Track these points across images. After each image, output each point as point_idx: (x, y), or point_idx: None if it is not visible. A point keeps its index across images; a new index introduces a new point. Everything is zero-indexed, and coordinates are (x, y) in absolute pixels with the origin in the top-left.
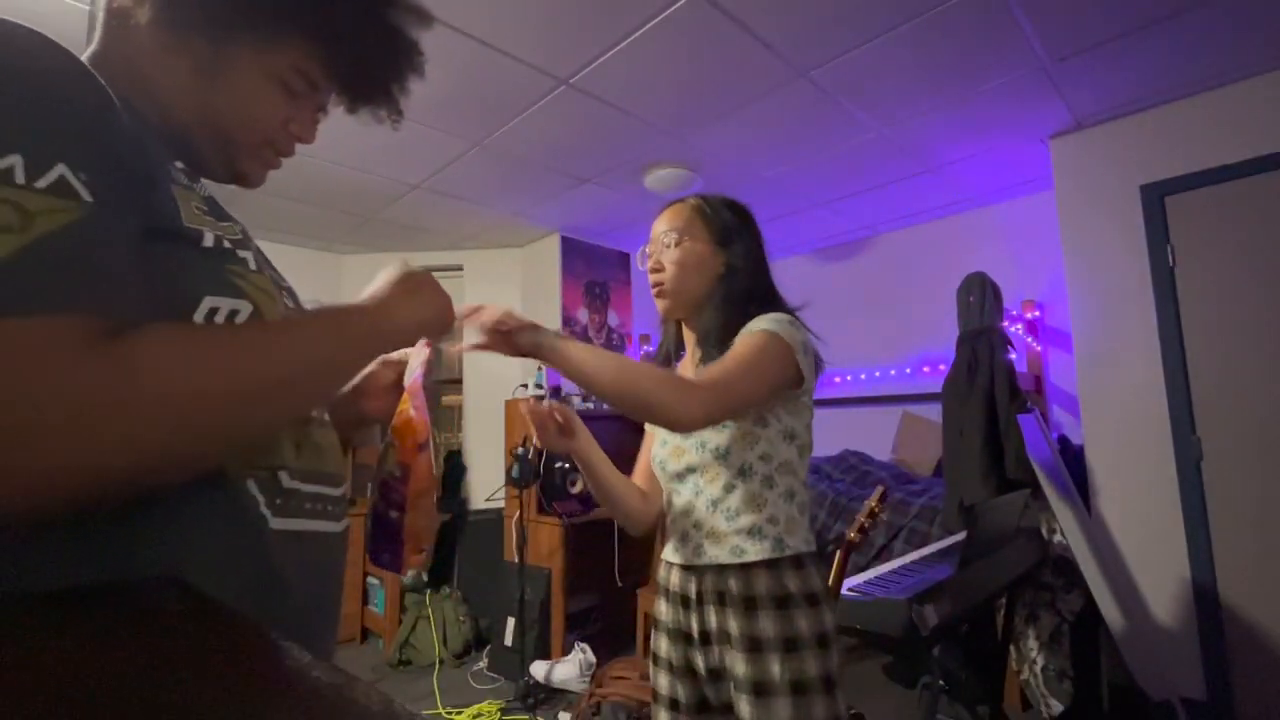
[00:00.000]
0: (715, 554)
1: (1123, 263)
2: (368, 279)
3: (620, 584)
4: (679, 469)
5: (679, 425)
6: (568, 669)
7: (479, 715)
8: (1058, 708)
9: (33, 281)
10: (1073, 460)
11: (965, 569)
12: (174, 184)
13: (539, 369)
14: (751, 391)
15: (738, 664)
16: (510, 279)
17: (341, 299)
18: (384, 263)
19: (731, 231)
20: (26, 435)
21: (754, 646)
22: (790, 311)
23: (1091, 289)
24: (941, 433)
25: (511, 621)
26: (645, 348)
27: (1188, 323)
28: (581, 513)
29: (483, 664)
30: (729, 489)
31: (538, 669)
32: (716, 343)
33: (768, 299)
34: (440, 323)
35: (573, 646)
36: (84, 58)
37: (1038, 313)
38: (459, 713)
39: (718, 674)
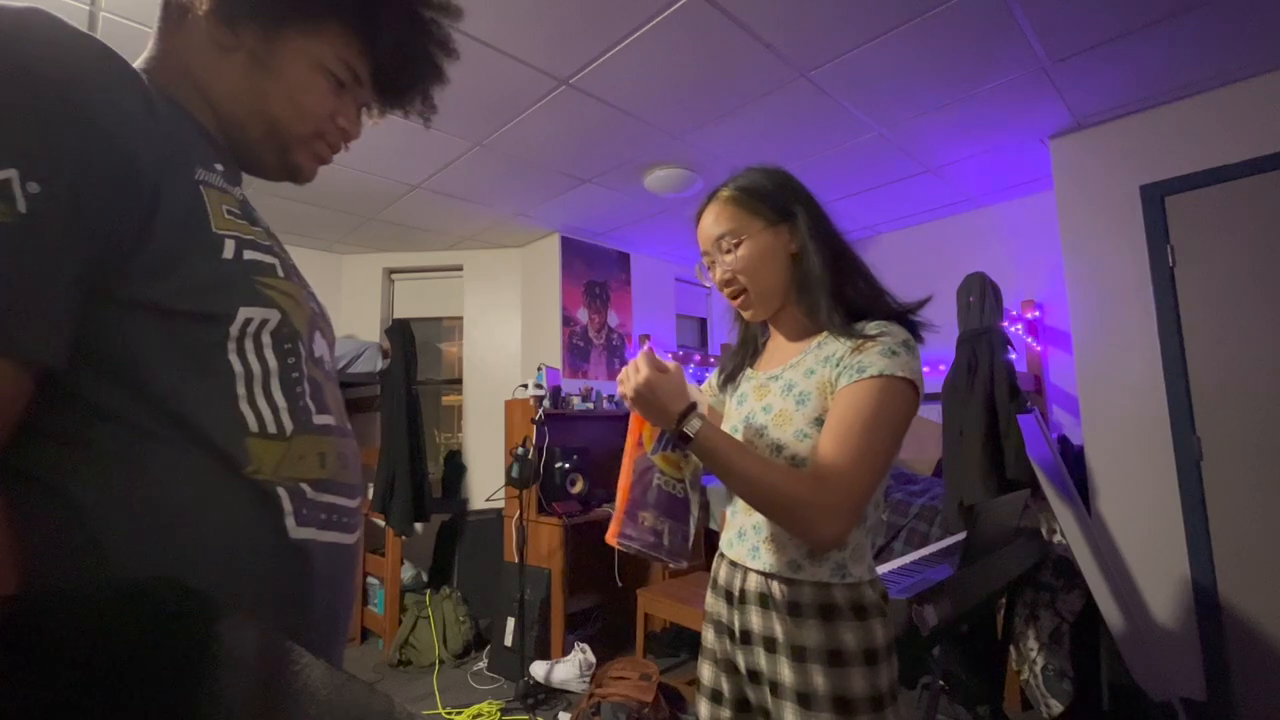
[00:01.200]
0: (770, 561)
1: (1123, 263)
2: (368, 278)
3: (620, 584)
4: None
5: (820, 545)
6: (567, 669)
7: (479, 715)
8: (1057, 708)
9: None
10: (1073, 460)
11: (965, 569)
12: (207, 186)
13: (539, 369)
14: (886, 467)
15: (783, 670)
16: (510, 279)
17: (342, 300)
18: (384, 263)
19: (782, 201)
20: None
21: (799, 655)
22: (898, 307)
23: (1091, 289)
24: (941, 433)
25: (511, 622)
26: (645, 347)
27: (1188, 323)
28: (581, 513)
29: (483, 664)
30: None
31: (537, 669)
32: (840, 328)
33: (847, 262)
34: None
35: (572, 647)
36: (141, 60)
37: (1037, 313)
38: (459, 713)
39: (756, 675)
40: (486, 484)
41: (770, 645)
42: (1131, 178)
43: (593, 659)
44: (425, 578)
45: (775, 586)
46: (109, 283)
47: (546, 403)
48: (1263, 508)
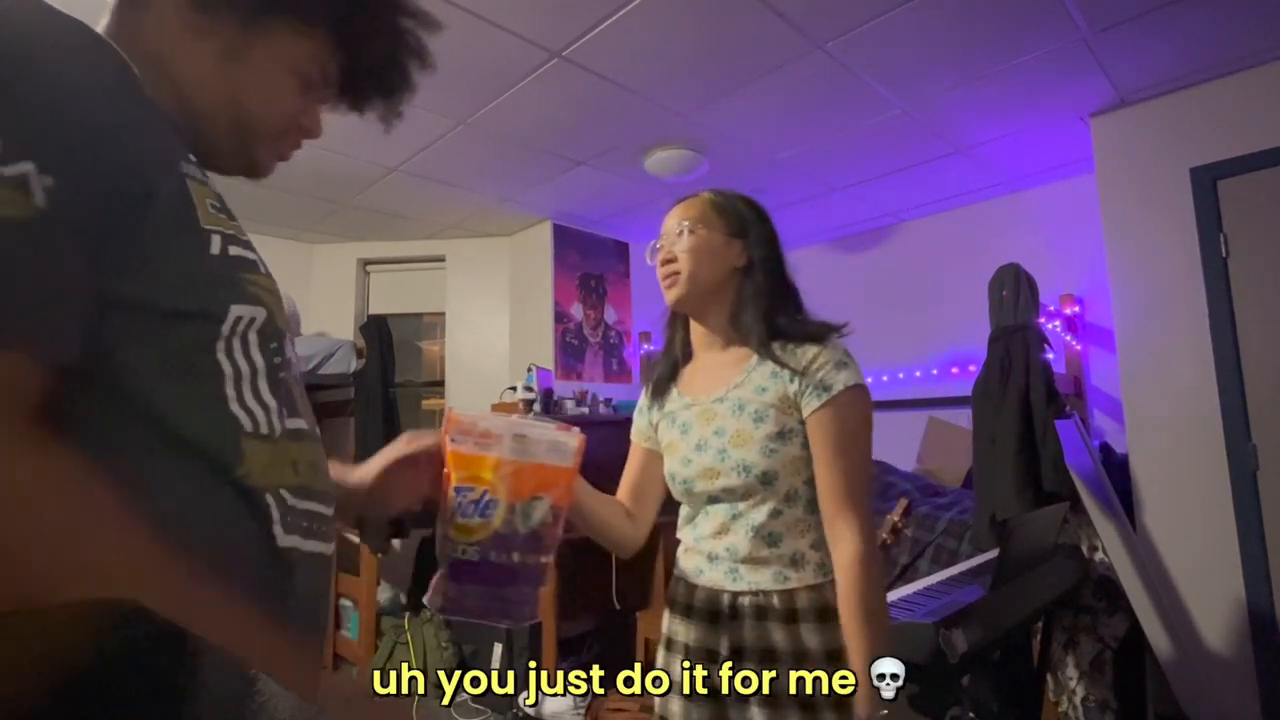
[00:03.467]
0: (755, 580)
1: (1171, 253)
2: (341, 270)
3: (618, 607)
4: (711, 491)
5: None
6: (561, 700)
7: None
8: None
9: None
10: (1116, 470)
11: (998, 590)
12: (192, 180)
13: (529, 370)
14: (870, 472)
15: (784, 676)
16: (497, 271)
17: (313, 295)
18: (359, 253)
19: (747, 223)
20: None
21: (800, 659)
22: (826, 325)
23: (1136, 282)
24: (971, 440)
25: (499, 648)
26: (645, 346)
27: (1242, 319)
28: (575, 529)
29: (466, 695)
30: (774, 515)
31: (528, 700)
32: (758, 345)
33: (788, 296)
34: None
35: (566, 675)
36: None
37: (1077, 308)
38: None
39: (744, 695)
40: None
41: (767, 655)
42: (1181, 159)
43: (588, 688)
44: (404, 599)
45: (774, 600)
46: (101, 280)
47: (537, 407)
48: None
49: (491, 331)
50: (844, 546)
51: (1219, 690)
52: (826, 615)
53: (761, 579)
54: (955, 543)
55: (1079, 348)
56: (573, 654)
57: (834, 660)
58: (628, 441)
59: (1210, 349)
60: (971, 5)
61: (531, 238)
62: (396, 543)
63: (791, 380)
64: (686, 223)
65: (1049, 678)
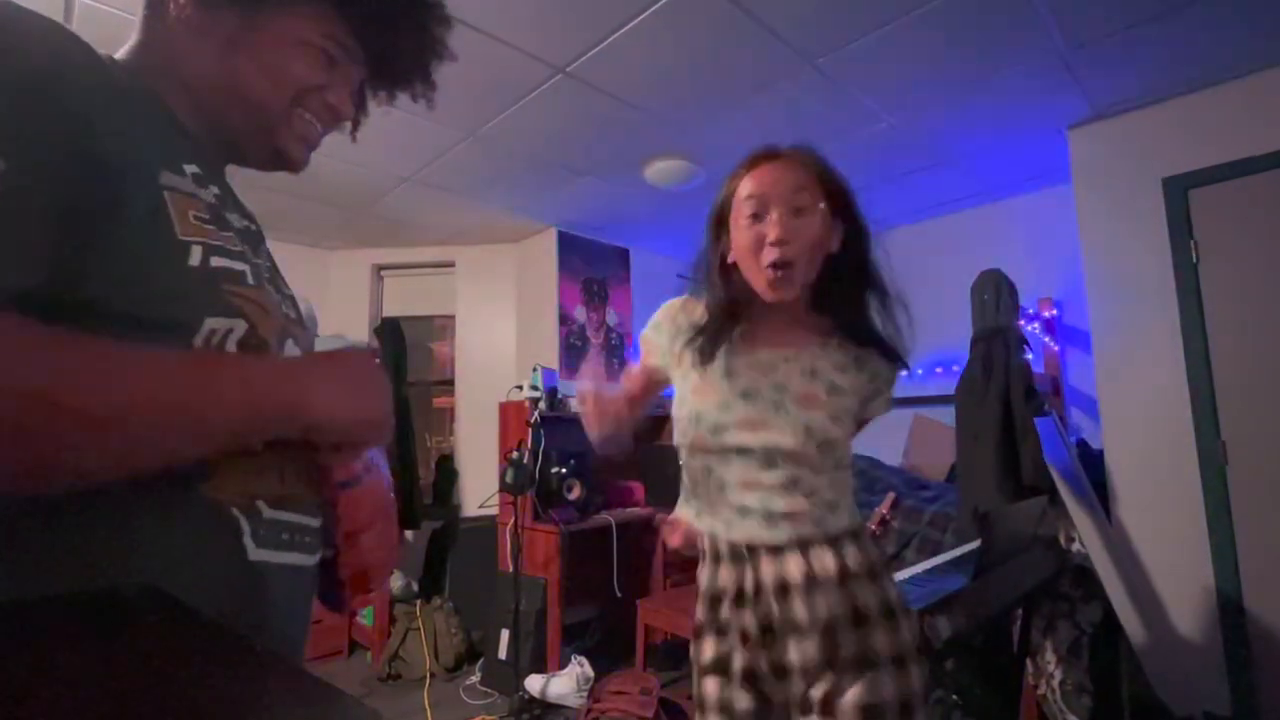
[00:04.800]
0: (795, 529)
1: (1144, 259)
2: (357, 275)
3: (619, 594)
4: (747, 443)
5: None
6: (564, 683)
7: None
8: None
9: None
10: (1092, 465)
11: (980, 579)
12: (172, 191)
13: (535, 370)
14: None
15: (846, 638)
16: (504, 276)
17: (329, 298)
18: (373, 259)
19: (846, 202)
20: None
21: (860, 620)
22: (899, 352)
23: (1111, 286)
24: (955, 437)
25: (506, 633)
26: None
27: (1212, 321)
28: (579, 520)
29: (475, 678)
30: (816, 471)
31: (533, 683)
32: (861, 344)
33: (882, 290)
34: (374, 430)
35: (570, 660)
36: (124, 49)
37: (1055, 311)
38: None
39: (783, 670)
40: (480, 490)
41: (812, 622)
42: (1153, 170)
43: (591, 672)
44: (416, 587)
45: (828, 557)
46: (68, 284)
47: (542, 405)
48: None
49: (499, 333)
50: None
51: (1190, 673)
52: (874, 574)
53: (801, 527)
54: (939, 534)
55: (1057, 349)
56: (576, 639)
57: (890, 616)
58: None
59: (1181, 350)
60: (955, 24)
61: (537, 244)
62: (409, 534)
63: (871, 380)
64: (808, 195)
65: (1029, 662)
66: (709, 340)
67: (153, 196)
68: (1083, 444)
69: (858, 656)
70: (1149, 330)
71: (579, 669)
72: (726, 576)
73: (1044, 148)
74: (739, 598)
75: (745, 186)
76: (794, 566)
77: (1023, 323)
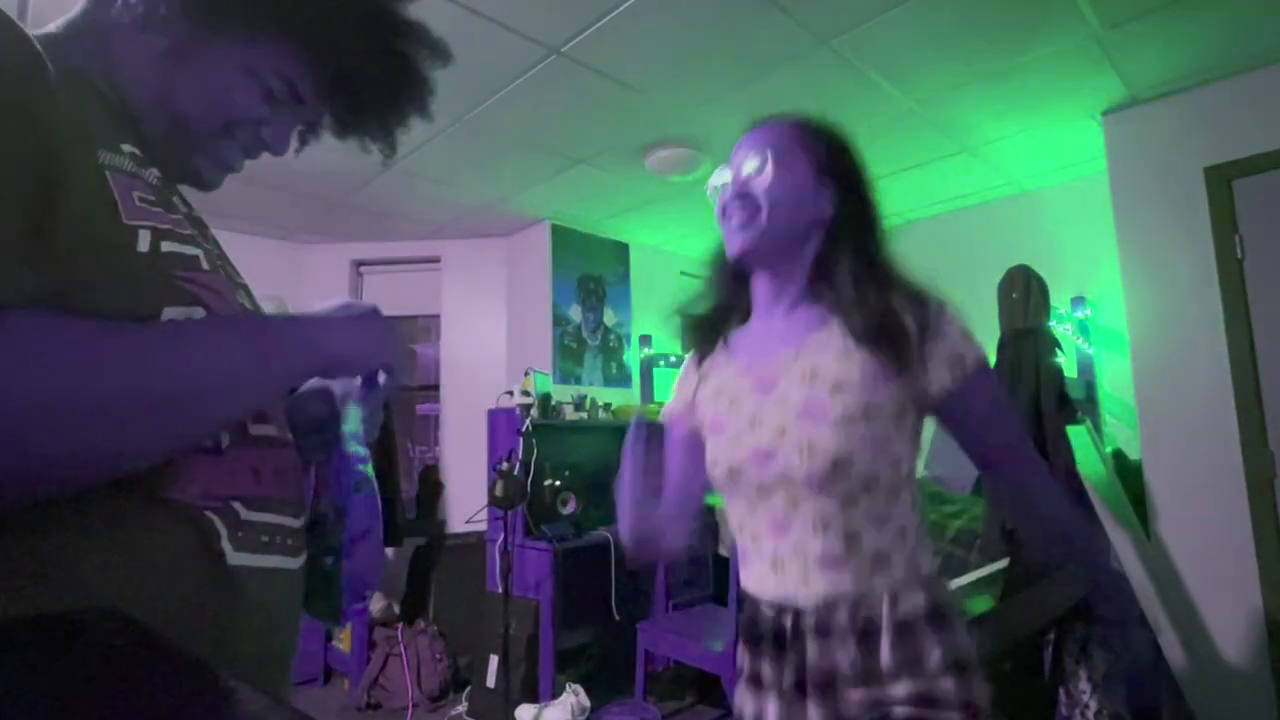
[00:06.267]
0: (832, 582)
1: (1185, 254)
2: (333, 272)
3: (618, 617)
4: (770, 479)
5: None
6: (558, 713)
7: None
8: None
9: None
10: (1129, 477)
11: (1008, 600)
12: (116, 171)
13: (527, 374)
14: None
15: (898, 687)
16: (494, 273)
17: (304, 295)
18: (351, 254)
19: (838, 161)
20: None
21: (916, 671)
22: (933, 295)
23: (1149, 284)
24: None
25: (494, 660)
26: (646, 350)
27: (1258, 321)
28: (574, 537)
29: (462, 707)
30: (850, 504)
31: (524, 714)
32: (863, 327)
33: (888, 265)
34: (388, 355)
35: (564, 688)
36: (60, 22)
37: (1089, 311)
38: None
39: None
40: (466, 504)
41: (863, 676)
42: (1195, 158)
43: (586, 702)
44: (397, 610)
45: (838, 612)
46: (8, 277)
47: (534, 412)
48: None
49: (488, 334)
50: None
51: (1237, 702)
52: (941, 622)
53: (840, 580)
54: (964, 552)
55: (1091, 351)
56: (570, 666)
57: (960, 669)
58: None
59: (1226, 352)
60: (979, 1)
61: (529, 238)
62: (390, 551)
63: (916, 344)
64: (767, 150)
65: (1061, 691)
66: (700, 339)
67: (96, 177)
68: (1119, 454)
69: (911, 698)
70: (1190, 331)
71: (574, 698)
72: (765, 625)
73: (1076, 135)
74: (777, 645)
75: (731, 159)
76: (841, 616)
77: (1054, 323)
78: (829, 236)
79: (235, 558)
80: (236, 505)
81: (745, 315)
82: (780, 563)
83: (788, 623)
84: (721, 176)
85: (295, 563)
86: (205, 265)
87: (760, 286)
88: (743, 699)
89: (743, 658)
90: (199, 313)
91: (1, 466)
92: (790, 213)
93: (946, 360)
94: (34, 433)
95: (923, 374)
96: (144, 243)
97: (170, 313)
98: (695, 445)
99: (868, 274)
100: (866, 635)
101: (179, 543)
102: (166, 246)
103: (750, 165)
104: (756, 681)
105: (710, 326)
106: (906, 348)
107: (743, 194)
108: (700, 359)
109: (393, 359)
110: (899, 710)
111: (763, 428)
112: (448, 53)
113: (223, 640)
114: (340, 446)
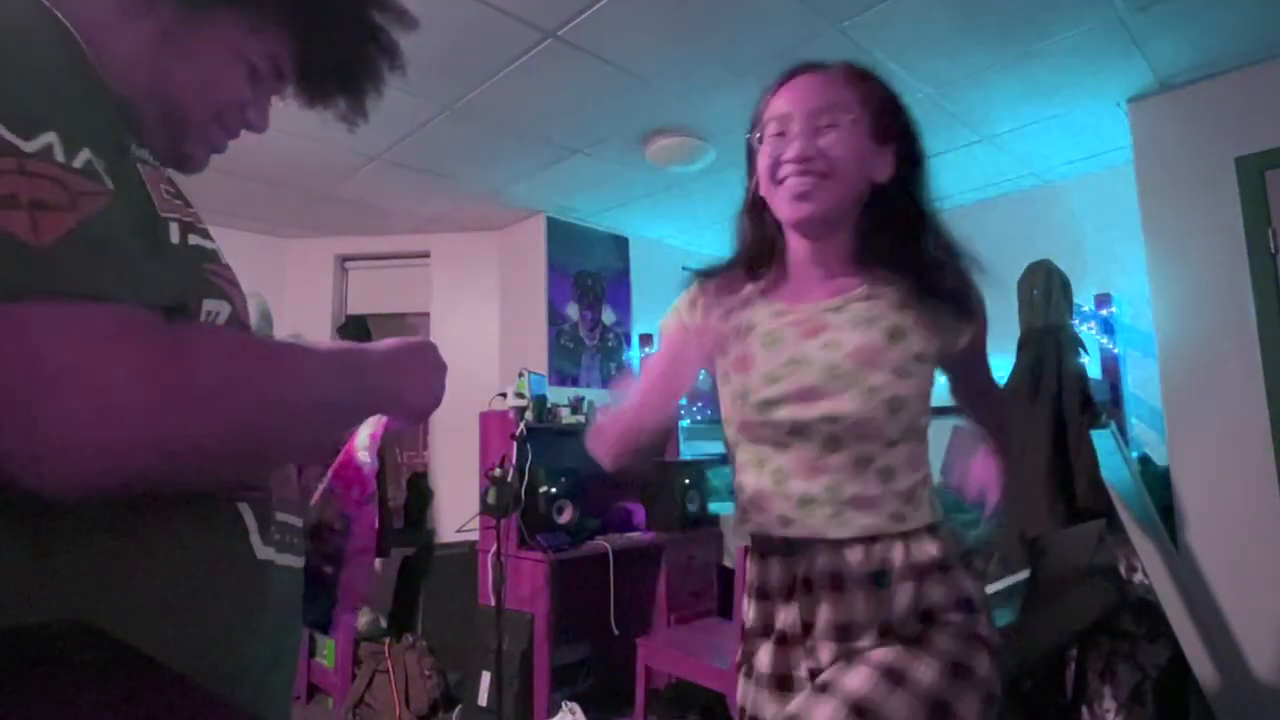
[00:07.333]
0: (866, 523)
1: (1215, 249)
2: (317, 267)
3: (616, 631)
4: (803, 418)
5: None
6: None
7: None
8: None
9: (85, 266)
10: (1156, 484)
11: (1029, 614)
12: (143, 163)
13: (521, 375)
14: None
15: (908, 627)
16: (486, 268)
17: (286, 293)
18: (336, 248)
19: (897, 119)
20: (107, 415)
21: (927, 617)
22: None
23: (1177, 280)
24: None
25: (487, 676)
26: (646, 350)
27: None
28: (571, 547)
29: None
30: (890, 445)
31: None
32: (926, 295)
33: (941, 231)
34: (428, 411)
35: (560, 706)
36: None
37: (1114, 308)
38: None
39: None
40: (457, 512)
41: (876, 626)
42: (1225, 148)
43: None
44: (384, 623)
45: (895, 550)
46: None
47: (529, 415)
48: None
49: (480, 333)
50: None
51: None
52: (947, 570)
53: (874, 518)
54: (983, 562)
55: (1116, 351)
56: (567, 683)
57: (967, 609)
58: None
59: (1258, 352)
60: None
61: (523, 232)
62: (377, 562)
63: (952, 317)
64: (838, 110)
65: (1084, 709)
66: (729, 278)
67: (134, 169)
68: (1145, 460)
69: (912, 638)
70: (1221, 330)
71: (570, 717)
72: (777, 573)
73: (1100, 123)
74: (787, 594)
75: (773, 105)
76: (853, 558)
77: (1076, 321)
78: (885, 198)
79: (263, 552)
80: (266, 499)
81: (774, 264)
82: (812, 502)
83: (800, 570)
84: (764, 131)
85: (300, 563)
86: (221, 259)
87: (797, 242)
88: (756, 648)
89: (750, 608)
90: (226, 307)
91: (221, 453)
92: (855, 175)
93: (975, 314)
94: (276, 421)
95: (967, 327)
96: (175, 234)
97: (209, 305)
98: (685, 364)
99: (930, 232)
100: (882, 576)
101: (218, 534)
102: (192, 239)
103: (812, 119)
104: (766, 632)
105: (735, 267)
106: (967, 302)
107: (806, 157)
108: (719, 291)
109: (430, 412)
110: (909, 628)
111: (808, 369)
112: (413, 20)
113: (248, 628)
114: (354, 457)
